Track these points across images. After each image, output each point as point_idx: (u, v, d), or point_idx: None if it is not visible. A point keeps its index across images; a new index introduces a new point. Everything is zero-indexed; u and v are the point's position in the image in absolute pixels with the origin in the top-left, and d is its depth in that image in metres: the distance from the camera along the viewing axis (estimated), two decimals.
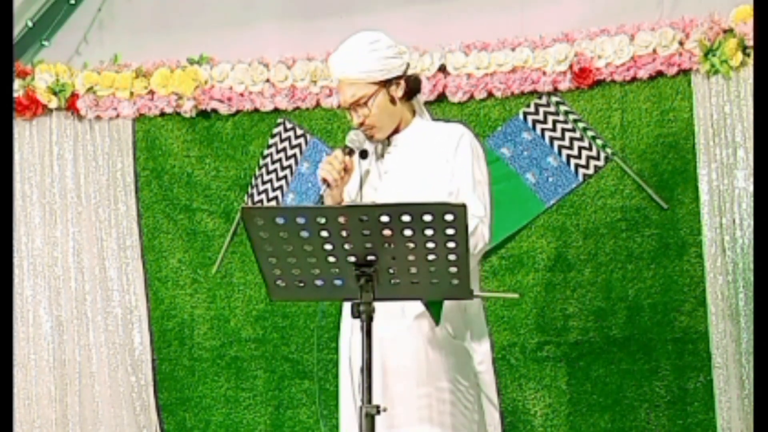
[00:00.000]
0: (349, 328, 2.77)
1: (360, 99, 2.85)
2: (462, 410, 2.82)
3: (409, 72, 2.99)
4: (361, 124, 2.87)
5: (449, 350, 2.84)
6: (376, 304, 2.42)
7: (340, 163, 2.79)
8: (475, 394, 2.88)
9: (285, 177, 4.61)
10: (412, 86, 2.95)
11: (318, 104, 4.60)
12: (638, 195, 4.27)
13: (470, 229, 2.63)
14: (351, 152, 2.83)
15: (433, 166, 2.86)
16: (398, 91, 2.90)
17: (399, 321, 2.83)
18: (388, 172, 2.91)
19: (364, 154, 2.87)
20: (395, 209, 2.30)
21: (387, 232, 2.31)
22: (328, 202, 2.86)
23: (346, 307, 2.89)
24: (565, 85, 4.32)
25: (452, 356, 2.85)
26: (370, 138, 2.89)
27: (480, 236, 2.79)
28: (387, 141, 2.94)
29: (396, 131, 2.94)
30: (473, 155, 2.88)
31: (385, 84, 2.87)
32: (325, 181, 2.79)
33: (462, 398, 2.83)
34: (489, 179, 2.94)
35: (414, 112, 2.99)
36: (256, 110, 4.66)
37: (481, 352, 2.94)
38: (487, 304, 4.38)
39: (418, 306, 2.79)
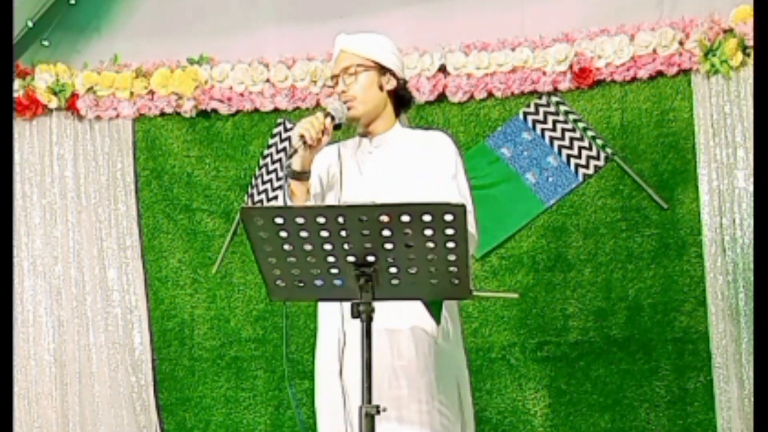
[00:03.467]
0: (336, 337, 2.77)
1: (351, 66, 2.89)
2: (446, 414, 2.81)
3: (406, 79, 3.02)
4: (342, 93, 2.89)
5: (439, 353, 2.83)
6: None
7: (320, 124, 2.78)
8: (458, 397, 2.88)
9: (285, 177, 4.61)
10: (402, 93, 2.98)
11: (318, 104, 4.60)
12: (638, 195, 4.27)
13: None
14: (332, 119, 2.83)
15: (415, 171, 2.87)
16: (388, 84, 2.93)
17: (398, 318, 2.81)
18: (370, 171, 2.91)
19: (338, 127, 2.87)
20: (395, 209, 2.30)
21: (386, 232, 2.31)
22: (296, 164, 2.80)
23: (325, 315, 2.87)
24: (565, 85, 4.32)
25: (441, 359, 2.83)
26: (348, 111, 2.88)
27: (470, 224, 2.69)
28: (370, 140, 2.95)
29: (379, 131, 2.94)
30: (456, 163, 2.90)
31: (379, 69, 2.91)
32: (302, 137, 2.75)
33: (446, 401, 2.82)
34: (470, 187, 2.92)
35: (397, 121, 2.99)
36: (256, 110, 4.67)
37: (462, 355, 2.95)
38: (487, 305, 4.39)
39: (417, 306, 2.78)
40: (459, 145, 2.99)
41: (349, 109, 2.88)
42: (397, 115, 2.98)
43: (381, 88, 2.92)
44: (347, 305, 2.43)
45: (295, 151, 2.75)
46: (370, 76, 2.90)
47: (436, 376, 2.81)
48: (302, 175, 2.82)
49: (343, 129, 2.91)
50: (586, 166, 4.30)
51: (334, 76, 2.93)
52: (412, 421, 2.77)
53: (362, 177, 2.90)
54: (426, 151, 2.89)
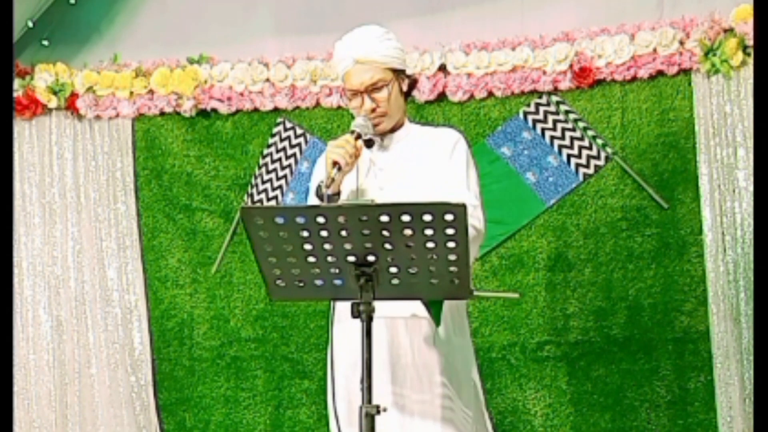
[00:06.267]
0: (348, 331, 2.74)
1: (378, 82, 2.82)
2: (458, 411, 2.81)
3: (408, 72, 2.98)
4: (372, 111, 2.83)
5: (448, 349, 2.83)
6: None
7: (352, 147, 2.73)
8: (472, 394, 2.87)
9: (285, 176, 4.61)
10: (411, 87, 2.95)
11: (318, 104, 4.60)
12: (639, 194, 4.26)
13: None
14: (359, 137, 2.78)
15: (429, 166, 2.85)
16: (404, 85, 2.90)
17: (399, 317, 2.81)
18: (384, 170, 2.89)
19: (369, 143, 2.83)
20: (395, 209, 2.29)
21: (386, 232, 2.30)
22: (330, 190, 2.73)
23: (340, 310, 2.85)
24: (565, 84, 4.32)
25: (450, 355, 2.83)
26: (375, 126, 2.85)
27: (476, 219, 2.72)
28: (380, 140, 2.93)
29: (392, 129, 2.92)
30: (467, 159, 2.88)
31: (398, 74, 2.87)
32: (336, 164, 2.69)
33: (457, 399, 2.82)
34: (480, 185, 2.91)
35: (406, 117, 2.98)
36: (256, 110, 4.66)
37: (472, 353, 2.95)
38: (487, 304, 4.39)
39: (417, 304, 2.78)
40: (469, 141, 2.97)
41: (377, 125, 2.83)
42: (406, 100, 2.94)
43: (401, 93, 2.89)
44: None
45: (333, 181, 2.68)
46: (395, 87, 2.85)
47: (454, 372, 2.81)
48: (335, 197, 2.76)
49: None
50: (587, 166, 4.30)
51: (354, 90, 2.84)
52: (435, 416, 2.78)
53: (376, 177, 2.88)
54: (437, 148, 2.87)
